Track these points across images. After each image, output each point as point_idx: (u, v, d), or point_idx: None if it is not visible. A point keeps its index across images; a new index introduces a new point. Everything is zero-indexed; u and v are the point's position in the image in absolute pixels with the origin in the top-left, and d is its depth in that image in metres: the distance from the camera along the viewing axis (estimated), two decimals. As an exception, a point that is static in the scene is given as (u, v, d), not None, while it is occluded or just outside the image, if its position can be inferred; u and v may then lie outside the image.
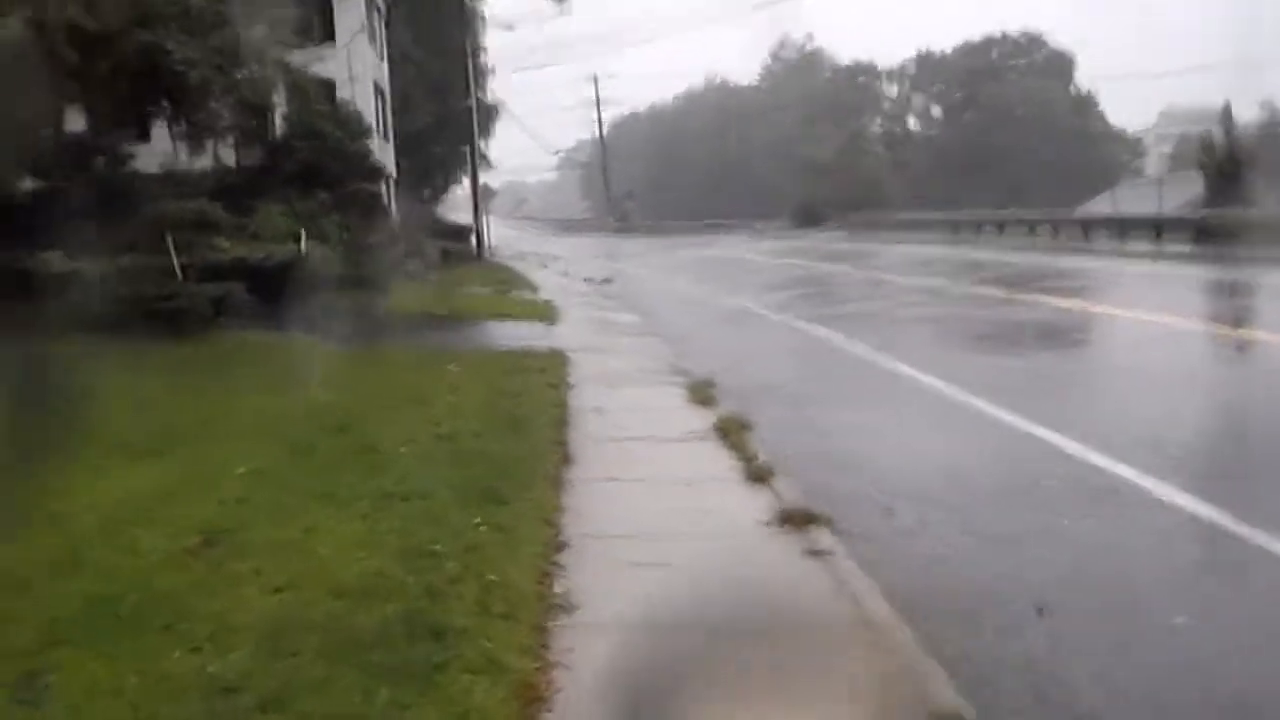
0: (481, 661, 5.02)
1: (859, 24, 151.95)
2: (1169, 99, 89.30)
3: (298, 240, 22.57)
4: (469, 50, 47.64)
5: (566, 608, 5.93)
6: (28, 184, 24.85)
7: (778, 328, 20.34)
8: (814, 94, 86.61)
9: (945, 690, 5.03)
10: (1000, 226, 46.61)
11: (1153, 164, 75.86)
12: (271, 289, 18.70)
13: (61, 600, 5.57)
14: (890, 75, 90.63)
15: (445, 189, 54.89)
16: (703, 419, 11.08)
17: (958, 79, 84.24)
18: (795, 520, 7.42)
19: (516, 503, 7.66)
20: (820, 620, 5.92)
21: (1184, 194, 40.71)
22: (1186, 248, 31.55)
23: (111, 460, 8.56)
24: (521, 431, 10.27)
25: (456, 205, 58.01)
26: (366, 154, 32.17)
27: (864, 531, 7.45)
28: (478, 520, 7.13)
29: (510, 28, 54.12)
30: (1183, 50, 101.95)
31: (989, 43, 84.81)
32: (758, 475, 8.69)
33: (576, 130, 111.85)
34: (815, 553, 6.86)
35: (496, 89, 55.59)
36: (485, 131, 53.38)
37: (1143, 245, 33.59)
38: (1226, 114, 41.74)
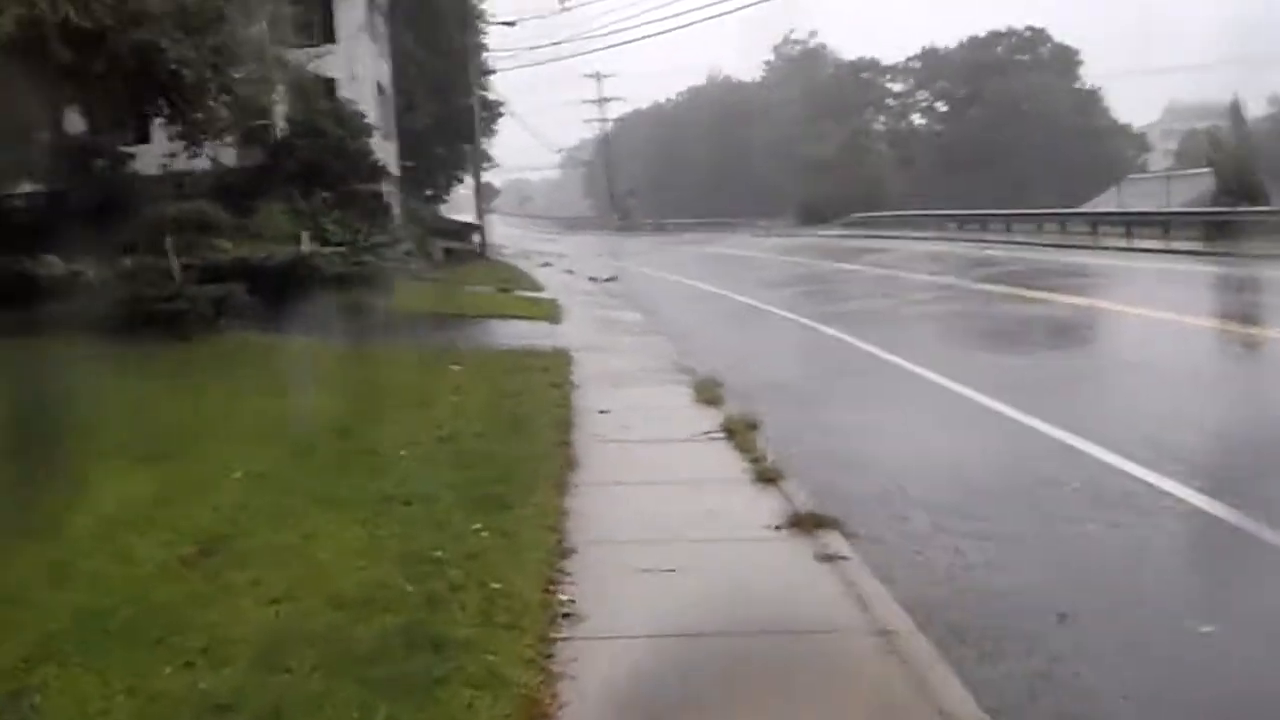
0: (484, 675, 4.86)
1: (862, 20, 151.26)
2: (1174, 95, 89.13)
3: (299, 240, 22.40)
4: (470, 48, 47.49)
5: (572, 617, 5.75)
6: (27, 186, 24.76)
7: (784, 325, 20.17)
8: (817, 91, 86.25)
9: (963, 702, 4.86)
10: (1007, 223, 46.33)
11: (1158, 160, 75.48)
12: (273, 289, 18.53)
13: (53, 613, 5.40)
14: (894, 71, 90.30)
15: (448, 188, 54.70)
16: (709, 419, 10.90)
17: (962, 75, 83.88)
18: (805, 524, 7.25)
19: (520, 507, 7.49)
20: (833, 628, 5.74)
21: (1191, 190, 40.48)
22: (1196, 244, 31.28)
23: (109, 465, 8.38)
24: (525, 433, 10.11)
25: (459, 204, 57.90)
26: (368, 153, 31.99)
27: (875, 535, 7.28)
28: (480, 525, 6.97)
29: (512, 25, 53.74)
30: (1188, 46, 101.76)
31: (994, 38, 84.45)
32: (766, 477, 8.52)
33: (579, 128, 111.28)
34: (827, 557, 6.69)
35: (499, 87, 55.42)
36: (487, 130, 53.22)
37: (1151, 242, 33.32)
38: (1236, 109, 41.49)
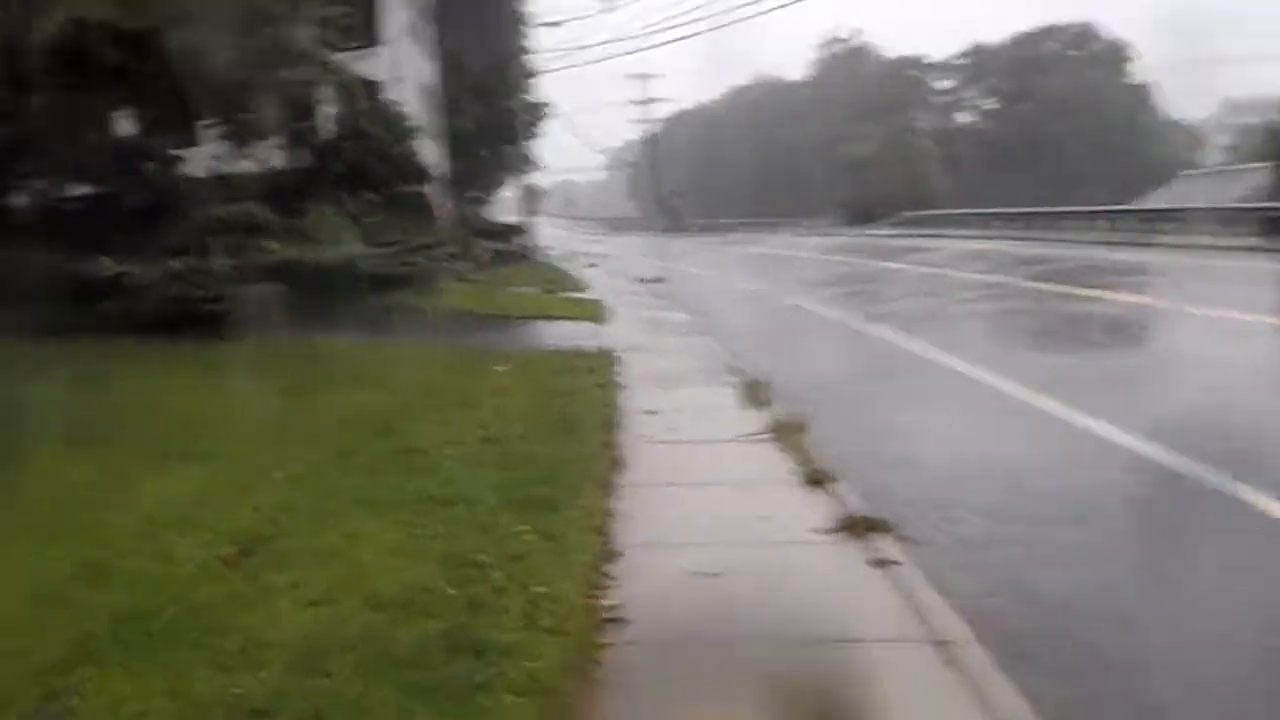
0: (526, 682, 4.73)
1: (907, 18, 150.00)
2: (1229, 89, 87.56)
3: (346, 242, 22.43)
4: (514, 50, 47.49)
5: (617, 622, 5.60)
6: (80, 188, 24.99)
7: (831, 325, 19.93)
8: (862, 89, 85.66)
9: (1023, 718, 4.66)
10: (1056, 221, 45.63)
11: (1212, 156, 74.30)
12: (319, 290, 18.54)
13: (91, 614, 5.32)
14: (940, 69, 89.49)
15: (493, 189, 54.71)
16: (757, 420, 10.73)
17: (1009, 71, 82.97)
18: (857, 527, 7.06)
19: (565, 509, 7.35)
20: (886, 637, 5.55)
21: (1247, 185, 39.71)
22: (1254, 240, 30.60)
23: (150, 464, 8.36)
24: (571, 434, 9.97)
25: (505, 205, 57.93)
26: (413, 155, 32.01)
27: (929, 539, 7.07)
28: (524, 528, 6.83)
29: (556, 26, 53.74)
30: (1243, 39, 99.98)
31: (1042, 34, 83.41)
32: (816, 479, 8.33)
33: (624, 130, 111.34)
34: (879, 562, 6.51)
35: (544, 88, 55.41)
36: (532, 132, 53.19)
37: (1206, 238, 32.65)
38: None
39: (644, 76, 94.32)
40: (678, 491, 8.41)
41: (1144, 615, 5.88)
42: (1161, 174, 57.44)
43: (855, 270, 33.54)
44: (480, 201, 51.87)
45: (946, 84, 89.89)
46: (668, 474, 8.93)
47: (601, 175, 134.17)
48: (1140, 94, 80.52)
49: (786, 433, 9.94)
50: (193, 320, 15.71)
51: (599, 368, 14.36)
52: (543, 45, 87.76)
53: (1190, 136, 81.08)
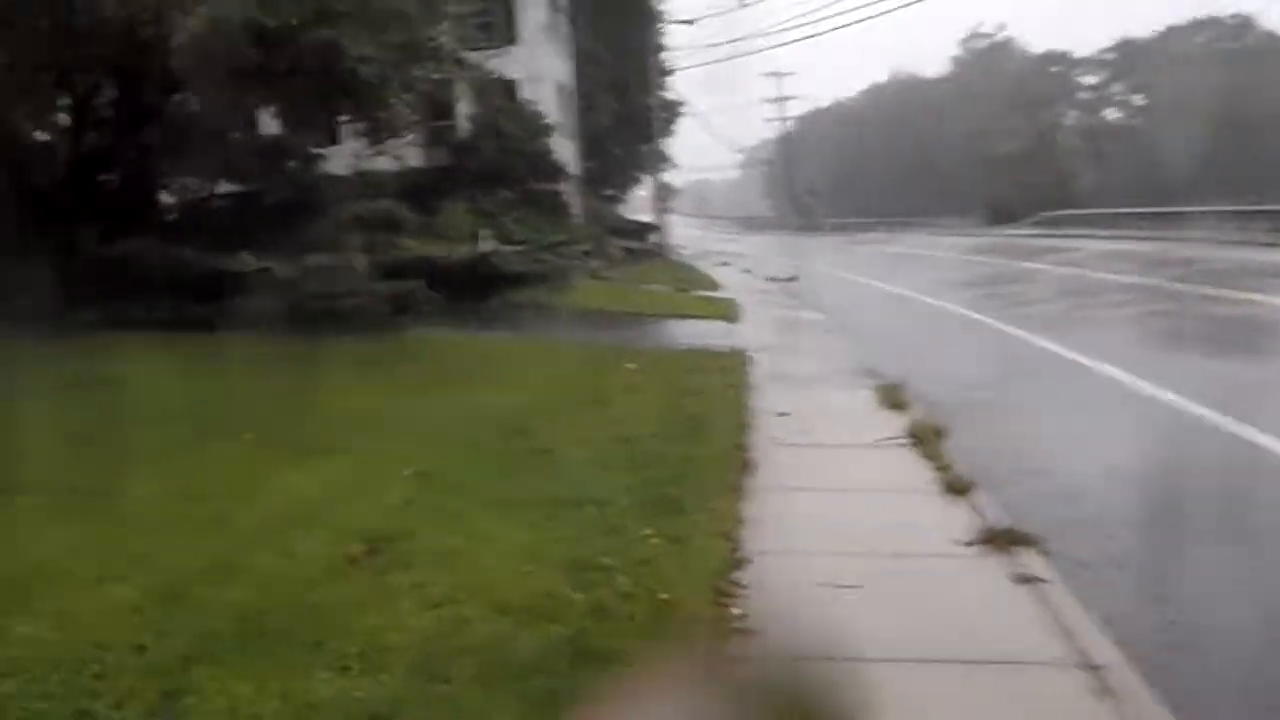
0: (651, 694, 4.52)
1: (1051, 11, 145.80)
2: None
3: (480, 239, 22.63)
4: (649, 47, 47.48)
5: (746, 634, 5.37)
6: (225, 186, 25.74)
7: (970, 327, 19.34)
8: (1005, 85, 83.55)
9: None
10: (1209, 220, 43.68)
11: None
12: (453, 287, 18.73)
13: (213, 611, 5.30)
14: (1086, 64, 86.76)
15: (627, 187, 54.89)
16: (893, 424, 10.37)
17: (1160, 66, 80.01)
18: (999, 540, 6.70)
19: (694, 512, 7.15)
20: (1033, 660, 5.21)
21: None
22: None
23: (282, 459, 8.40)
24: (701, 434, 9.77)
25: (638, 204, 58.01)
26: (548, 153, 32.23)
27: (1077, 555, 6.66)
28: (652, 531, 6.66)
29: (691, 23, 53.56)
30: None
31: (1194, 27, 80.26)
32: (956, 487, 7.97)
33: (760, 127, 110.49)
34: (1024, 578, 6.15)
35: (678, 86, 55.32)
36: (667, 130, 53.16)
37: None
38: None
39: (779, 74, 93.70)
40: (810, 497, 8.13)
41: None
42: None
43: (996, 270, 32.64)
44: (614, 199, 52.08)
45: (1092, 79, 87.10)
46: (799, 478, 8.65)
47: (736, 174, 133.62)
48: (1302, 88, 76.91)
49: (924, 438, 9.57)
50: (330, 316, 15.94)
51: (730, 367, 14.14)
52: (678, 42, 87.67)
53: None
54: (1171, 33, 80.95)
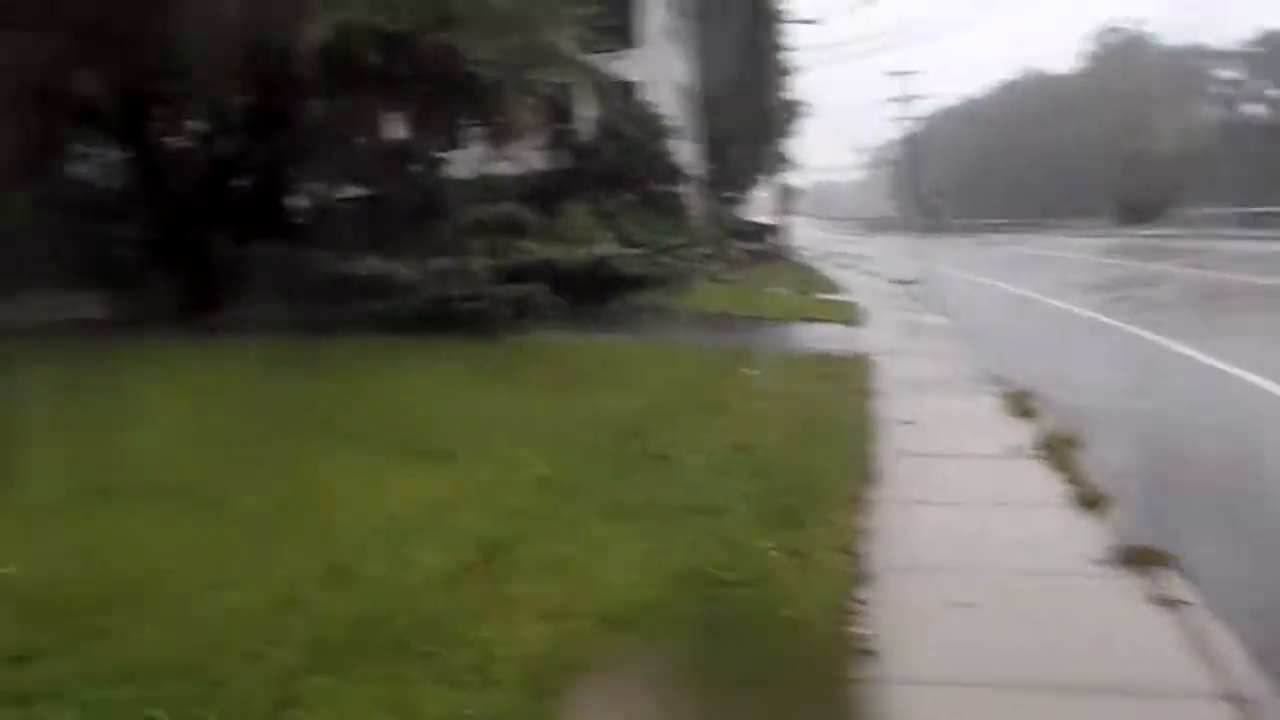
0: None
1: (1188, 4, 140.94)
2: None
3: (600, 242, 22.62)
4: (773, 48, 47.14)
5: (870, 655, 5.16)
6: (351, 190, 26.21)
7: (1103, 332, 18.69)
8: (1140, 81, 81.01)
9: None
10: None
11: None
12: (574, 290, 18.71)
13: (327, 619, 5.26)
14: (1226, 58, 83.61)
15: (748, 189, 54.58)
16: (1022, 434, 10.00)
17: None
18: (1137, 559, 6.35)
19: (815, 525, 6.94)
20: (1174, 691, 4.90)
21: None
22: None
23: (400, 462, 8.40)
24: (822, 443, 9.53)
25: (760, 205, 57.67)
26: (669, 155, 32.14)
27: (1222, 578, 6.27)
28: (771, 544, 6.46)
29: (814, 23, 53.05)
30: None
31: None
32: (1090, 502, 7.62)
33: (884, 128, 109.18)
34: (1164, 601, 5.81)
35: (801, 87, 54.85)
36: (789, 130, 52.75)
37: None
38: None
39: (904, 73, 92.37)
40: (935, 510, 7.84)
41: None
42: None
43: (1129, 272, 31.62)
44: (735, 201, 51.82)
45: (1232, 74, 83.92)
46: (924, 490, 8.36)
47: (859, 174, 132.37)
48: None
49: (1056, 448, 9.20)
50: (452, 319, 16.05)
51: (853, 373, 13.86)
52: (801, 43, 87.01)
53: None
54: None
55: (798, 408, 11.26)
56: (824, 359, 15.22)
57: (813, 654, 5.01)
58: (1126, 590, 6.04)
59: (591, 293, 19.39)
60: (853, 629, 5.43)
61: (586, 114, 29.02)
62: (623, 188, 29.43)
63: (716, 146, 42.07)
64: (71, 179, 22.36)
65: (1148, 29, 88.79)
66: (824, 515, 7.16)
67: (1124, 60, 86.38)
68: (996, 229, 71.08)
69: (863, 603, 5.81)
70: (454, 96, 17.79)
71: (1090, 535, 6.95)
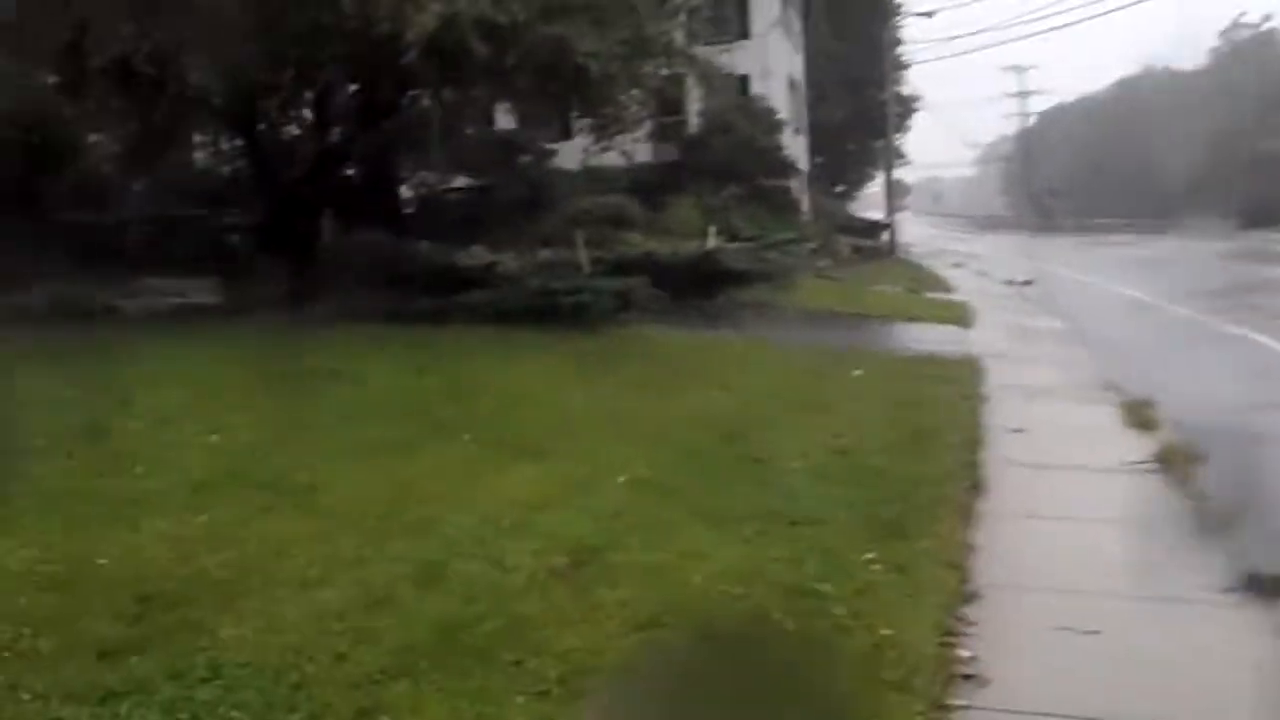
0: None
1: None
2: None
3: (705, 235, 22.44)
4: (885, 42, 46.44)
5: (973, 679, 4.92)
6: (460, 181, 26.46)
7: (1227, 341, 17.92)
8: (1269, 79, 78.05)
9: None
10: None
11: None
12: (677, 284, 18.55)
13: (415, 620, 5.17)
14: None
15: (858, 184, 54.04)
16: (1140, 446, 9.61)
17: None
18: (1264, 587, 5.99)
19: (919, 537, 6.69)
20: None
21: None
22: None
23: (496, 459, 8.33)
24: (928, 450, 9.23)
25: (869, 201, 56.95)
26: (778, 149, 31.85)
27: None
28: (872, 556, 6.24)
29: (929, 16, 52.13)
30: None
31: None
32: (1211, 522, 7.23)
33: (998, 123, 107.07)
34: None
35: (914, 81, 54.00)
36: (900, 125, 51.95)
37: None
38: None
39: (1019, 68, 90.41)
40: (1046, 525, 7.55)
41: None
42: None
43: (1256, 277, 30.36)
44: (844, 196, 51.32)
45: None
46: (1035, 503, 8.05)
47: (971, 171, 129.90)
48: None
49: (1175, 463, 8.81)
50: (552, 311, 16.00)
51: (961, 376, 13.48)
52: (914, 36, 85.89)
53: None
54: None
55: (903, 411, 10.96)
56: (931, 360, 14.85)
57: (910, 676, 4.78)
58: (1251, 621, 5.72)
59: (695, 287, 19.21)
60: (957, 651, 5.20)
61: (696, 107, 28.86)
62: (731, 181, 29.25)
63: (827, 140, 41.61)
64: (185, 167, 22.91)
65: (1278, 25, 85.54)
66: (928, 527, 6.91)
67: (1252, 57, 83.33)
68: (1113, 229, 69.09)
69: (969, 622, 5.58)
70: (562, 88, 17.73)
71: (1212, 560, 6.58)
